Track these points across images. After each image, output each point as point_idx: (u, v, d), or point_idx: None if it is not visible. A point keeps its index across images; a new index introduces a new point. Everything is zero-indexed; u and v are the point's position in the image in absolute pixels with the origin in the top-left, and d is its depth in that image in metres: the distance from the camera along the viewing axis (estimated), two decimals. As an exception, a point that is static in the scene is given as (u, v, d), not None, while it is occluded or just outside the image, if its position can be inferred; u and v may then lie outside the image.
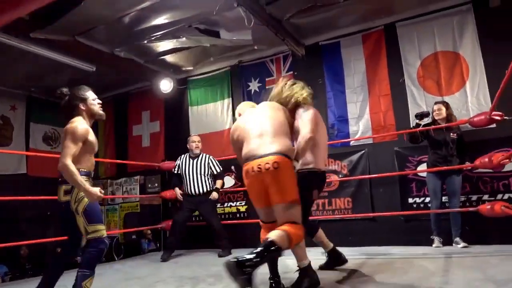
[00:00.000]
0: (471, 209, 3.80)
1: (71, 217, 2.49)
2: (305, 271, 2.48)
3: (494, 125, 3.88)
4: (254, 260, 2.01)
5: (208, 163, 4.88)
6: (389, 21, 4.88)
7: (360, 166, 4.84)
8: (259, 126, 2.51)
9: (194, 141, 4.93)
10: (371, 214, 4.60)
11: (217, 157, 5.63)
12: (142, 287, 3.18)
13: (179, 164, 4.94)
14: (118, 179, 6.97)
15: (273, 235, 2.17)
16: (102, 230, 2.48)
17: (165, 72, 6.17)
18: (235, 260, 1.98)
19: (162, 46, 5.32)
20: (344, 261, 3.14)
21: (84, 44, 4.86)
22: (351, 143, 4.96)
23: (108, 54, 5.24)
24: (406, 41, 4.79)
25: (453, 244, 3.86)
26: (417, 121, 4.12)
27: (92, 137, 2.62)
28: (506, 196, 4.03)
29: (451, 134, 4.02)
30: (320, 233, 3.12)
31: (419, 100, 4.64)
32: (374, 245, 4.27)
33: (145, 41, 5.03)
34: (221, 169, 4.98)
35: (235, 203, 5.70)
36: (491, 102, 4.09)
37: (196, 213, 5.11)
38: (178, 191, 4.90)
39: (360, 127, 4.91)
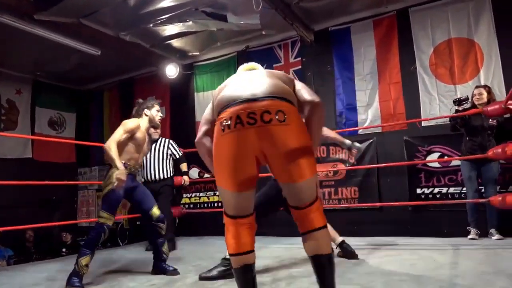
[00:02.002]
0: (481, 200, 3.70)
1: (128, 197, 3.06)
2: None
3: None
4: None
5: (169, 147, 4.70)
6: (402, 6, 4.73)
7: (368, 155, 4.74)
8: (249, 81, 1.69)
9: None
10: (378, 204, 4.53)
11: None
12: (147, 273, 3.15)
13: None
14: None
15: (324, 246, 1.57)
16: (106, 219, 2.84)
17: (171, 57, 6.07)
18: None
19: (168, 30, 5.22)
20: (354, 255, 3.11)
21: (89, 27, 4.78)
22: (359, 131, 4.86)
23: (114, 37, 5.15)
24: (419, 27, 4.63)
25: (488, 236, 3.73)
26: (456, 107, 3.88)
27: (140, 134, 3.01)
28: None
29: (490, 120, 3.78)
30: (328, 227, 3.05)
31: (431, 89, 4.51)
32: (381, 235, 4.21)
33: (151, 25, 4.93)
34: (182, 153, 4.80)
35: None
36: (505, 91, 3.96)
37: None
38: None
39: (368, 116, 4.80)
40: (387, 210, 4.52)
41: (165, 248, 3.08)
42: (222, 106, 1.61)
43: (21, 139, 6.47)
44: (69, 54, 5.71)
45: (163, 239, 3.09)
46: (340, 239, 3.17)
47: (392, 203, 4.37)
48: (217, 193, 5.68)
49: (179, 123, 6.33)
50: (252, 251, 1.66)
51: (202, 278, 2.77)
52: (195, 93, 6.22)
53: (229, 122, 1.52)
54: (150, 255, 3.21)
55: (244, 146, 1.52)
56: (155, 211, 3.07)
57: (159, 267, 3.06)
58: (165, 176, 4.55)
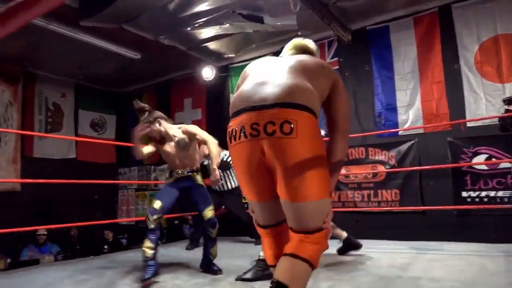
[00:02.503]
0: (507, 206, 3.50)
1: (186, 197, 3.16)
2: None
3: None
4: None
5: None
6: (444, 3, 4.56)
7: (409, 157, 4.61)
8: (267, 73, 1.50)
9: None
10: (421, 208, 4.38)
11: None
12: (189, 272, 3.20)
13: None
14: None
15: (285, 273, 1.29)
16: (154, 203, 3.04)
17: (207, 59, 6.16)
18: None
19: (205, 33, 5.30)
20: (358, 245, 3.36)
21: (130, 32, 4.94)
22: (400, 132, 4.72)
23: (153, 41, 5.29)
24: (462, 24, 4.45)
25: None
26: (506, 106, 3.71)
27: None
28: None
29: None
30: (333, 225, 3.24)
31: (476, 88, 4.32)
32: (424, 240, 4.07)
33: (189, 28, 5.02)
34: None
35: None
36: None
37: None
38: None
39: (410, 116, 4.66)
40: (430, 214, 4.36)
41: (213, 250, 3.13)
42: (232, 111, 1.45)
43: (66, 140, 6.77)
44: (110, 58, 5.92)
45: (212, 242, 3.14)
46: (345, 235, 3.37)
47: (436, 207, 4.21)
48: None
49: (215, 125, 6.39)
50: None
51: (238, 279, 2.80)
52: (231, 95, 6.26)
53: (235, 133, 1.39)
54: (191, 254, 3.28)
55: (250, 158, 1.37)
56: (207, 213, 3.10)
57: (204, 266, 3.15)
58: (233, 187, 4.72)
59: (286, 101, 1.32)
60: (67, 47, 5.41)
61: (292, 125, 1.28)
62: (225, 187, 4.72)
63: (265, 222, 1.51)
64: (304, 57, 1.60)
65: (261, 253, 2.67)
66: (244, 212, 4.80)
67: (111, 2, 4.18)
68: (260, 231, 1.54)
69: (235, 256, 3.87)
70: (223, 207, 5.30)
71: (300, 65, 1.49)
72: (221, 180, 4.48)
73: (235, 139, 1.39)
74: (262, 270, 2.75)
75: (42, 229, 5.66)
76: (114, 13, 4.45)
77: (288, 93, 1.34)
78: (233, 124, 1.40)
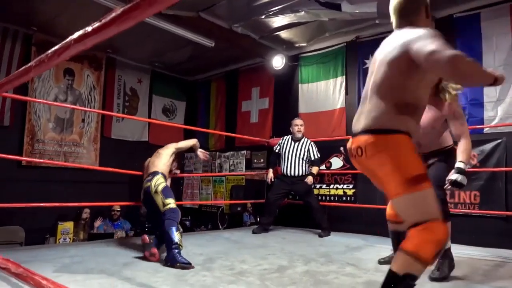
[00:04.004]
0: None
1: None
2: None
3: None
4: None
5: (308, 148, 4.86)
6: (549, -13, 4.08)
7: (494, 157, 4.22)
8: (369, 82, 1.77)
9: (297, 125, 4.90)
10: (504, 213, 4.01)
11: (326, 137, 5.49)
12: (256, 257, 3.24)
13: (280, 144, 4.99)
14: (226, 152, 7.28)
15: (393, 263, 1.50)
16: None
17: (278, 48, 6.14)
18: None
19: (278, 21, 5.26)
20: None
21: (206, 20, 5.06)
22: (485, 130, 4.35)
23: (227, 29, 5.38)
24: None
25: None
26: None
27: None
28: None
29: None
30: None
31: None
32: (508, 248, 3.71)
33: (263, 16, 5.02)
34: (319, 156, 4.93)
35: (341, 185, 5.51)
36: None
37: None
38: (271, 173, 4.92)
39: (498, 113, 4.26)
40: (515, 220, 3.99)
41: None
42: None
43: (140, 123, 7.17)
44: (185, 46, 6.12)
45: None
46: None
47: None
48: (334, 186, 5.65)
49: (282, 115, 6.38)
50: None
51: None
52: (300, 85, 6.19)
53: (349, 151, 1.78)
54: (258, 241, 3.29)
55: (359, 167, 1.79)
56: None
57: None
58: (301, 174, 4.80)
59: (364, 129, 1.68)
60: (146, 35, 5.67)
61: (362, 150, 1.69)
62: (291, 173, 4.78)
63: None
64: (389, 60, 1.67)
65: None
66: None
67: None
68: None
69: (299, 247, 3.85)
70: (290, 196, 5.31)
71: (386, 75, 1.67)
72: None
73: (350, 156, 1.81)
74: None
75: (116, 205, 6.07)
76: (193, 1, 4.58)
77: (366, 122, 1.68)
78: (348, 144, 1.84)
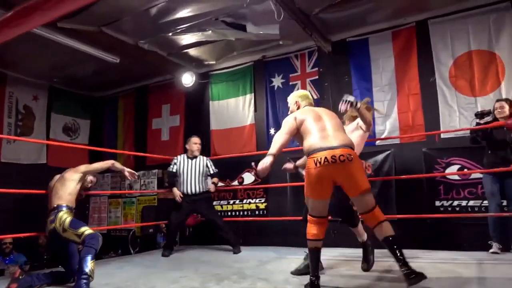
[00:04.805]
0: (505, 214, 3.64)
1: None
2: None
3: None
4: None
5: (206, 163, 4.85)
6: (421, 18, 4.74)
7: (385, 166, 4.71)
8: (327, 122, 2.67)
9: (196, 143, 4.85)
10: (396, 216, 4.46)
11: (237, 152, 5.58)
12: (167, 281, 3.13)
13: (176, 163, 4.83)
14: (136, 172, 6.93)
15: (388, 230, 2.40)
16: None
17: (187, 65, 6.12)
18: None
19: (186, 39, 5.28)
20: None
21: (109, 35, 4.85)
22: (377, 142, 4.84)
23: (133, 46, 5.22)
24: (438, 39, 4.64)
25: (511, 250, 3.65)
26: (477, 120, 3.84)
27: None
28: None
29: None
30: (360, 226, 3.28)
31: (450, 100, 4.50)
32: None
33: (170, 34, 4.98)
34: (217, 170, 4.93)
35: (254, 199, 5.63)
36: (528, 104, 3.91)
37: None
38: (177, 192, 4.74)
39: (387, 127, 4.79)
40: (405, 222, 4.45)
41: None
42: (313, 149, 2.50)
43: (36, 144, 6.51)
44: (87, 61, 5.77)
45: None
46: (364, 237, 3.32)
47: (410, 215, 4.30)
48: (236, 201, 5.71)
49: (194, 131, 6.31)
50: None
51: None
52: (210, 102, 6.24)
53: (319, 160, 2.43)
54: (169, 264, 3.17)
55: (327, 172, 2.44)
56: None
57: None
58: (201, 190, 4.73)
59: (345, 144, 2.53)
60: (42, 48, 5.23)
61: (353, 157, 2.50)
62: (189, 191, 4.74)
63: (320, 213, 2.57)
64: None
65: None
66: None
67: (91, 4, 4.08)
68: (311, 219, 2.57)
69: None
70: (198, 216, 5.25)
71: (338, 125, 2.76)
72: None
73: (325, 162, 2.44)
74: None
75: (8, 238, 5.38)
76: (94, 15, 4.37)
77: (345, 139, 2.61)
78: (317, 156, 2.48)
